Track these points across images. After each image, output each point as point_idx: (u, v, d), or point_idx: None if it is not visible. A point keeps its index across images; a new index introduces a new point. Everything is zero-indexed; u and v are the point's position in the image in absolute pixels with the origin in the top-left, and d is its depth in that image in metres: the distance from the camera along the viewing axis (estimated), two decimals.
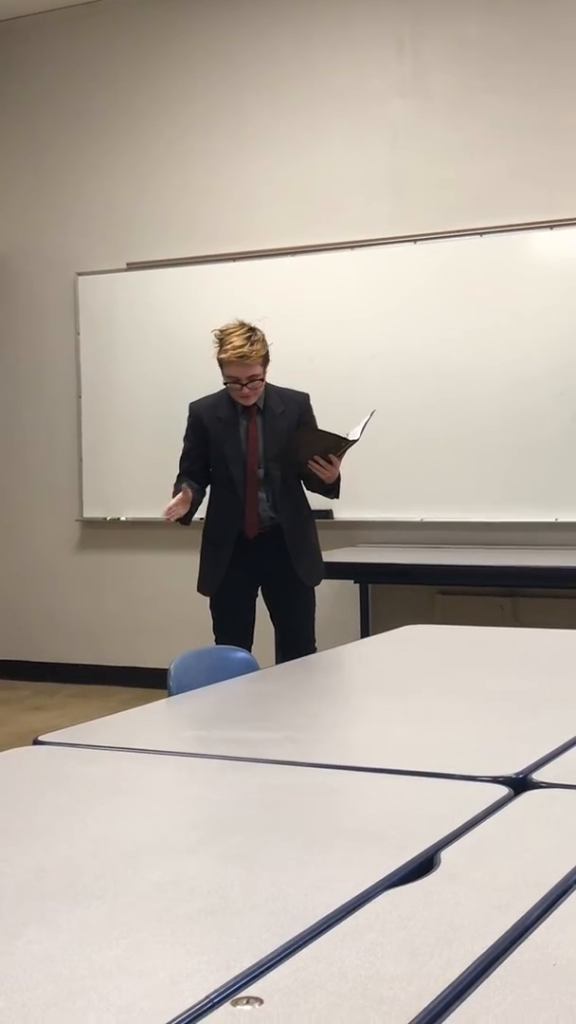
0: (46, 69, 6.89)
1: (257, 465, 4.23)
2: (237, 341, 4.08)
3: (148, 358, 6.57)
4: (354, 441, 4.13)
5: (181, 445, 4.38)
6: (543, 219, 5.72)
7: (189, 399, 4.41)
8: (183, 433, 4.38)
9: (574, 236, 5.68)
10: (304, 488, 4.34)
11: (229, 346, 4.09)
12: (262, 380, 4.18)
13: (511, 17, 5.80)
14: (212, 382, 4.39)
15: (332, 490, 4.29)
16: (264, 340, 4.15)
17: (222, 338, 4.13)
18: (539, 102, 5.76)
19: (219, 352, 4.13)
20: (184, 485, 4.16)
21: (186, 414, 4.37)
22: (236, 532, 4.23)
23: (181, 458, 4.36)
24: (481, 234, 5.84)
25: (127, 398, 6.64)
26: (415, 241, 5.98)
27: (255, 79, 6.38)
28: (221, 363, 4.14)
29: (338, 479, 4.23)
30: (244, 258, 6.34)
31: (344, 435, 4.11)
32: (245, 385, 4.12)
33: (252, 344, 4.09)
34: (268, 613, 4.40)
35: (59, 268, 6.83)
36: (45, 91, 6.90)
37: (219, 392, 4.31)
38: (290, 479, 4.27)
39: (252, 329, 4.15)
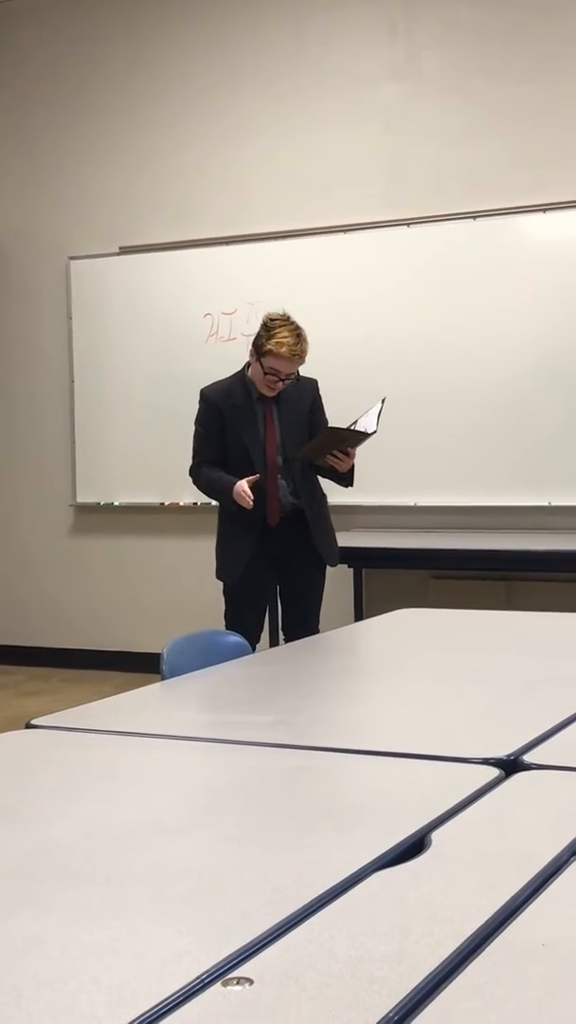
0: (40, 52, 6.85)
1: (276, 452, 4.22)
2: (290, 338, 4.07)
3: (141, 343, 6.56)
4: (372, 433, 4.15)
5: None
6: (536, 202, 5.71)
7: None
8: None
9: (567, 219, 5.67)
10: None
11: (283, 340, 4.06)
12: (289, 382, 4.20)
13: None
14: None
15: (345, 479, 4.29)
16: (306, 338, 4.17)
17: (272, 328, 4.10)
18: (532, 85, 5.75)
19: (267, 342, 4.08)
20: (235, 481, 4.10)
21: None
22: (259, 518, 4.22)
23: (199, 447, 4.29)
24: (474, 217, 5.83)
25: (120, 383, 6.63)
26: (408, 225, 5.97)
27: (249, 63, 6.35)
28: (266, 353, 4.10)
29: (352, 468, 4.24)
30: (237, 242, 6.33)
31: (363, 429, 4.13)
32: (284, 379, 4.13)
33: (301, 342, 4.11)
34: (279, 594, 4.40)
35: (51, 252, 6.81)
36: (38, 74, 6.86)
37: (230, 378, 4.28)
38: (305, 466, 4.28)
39: (299, 325, 4.15)
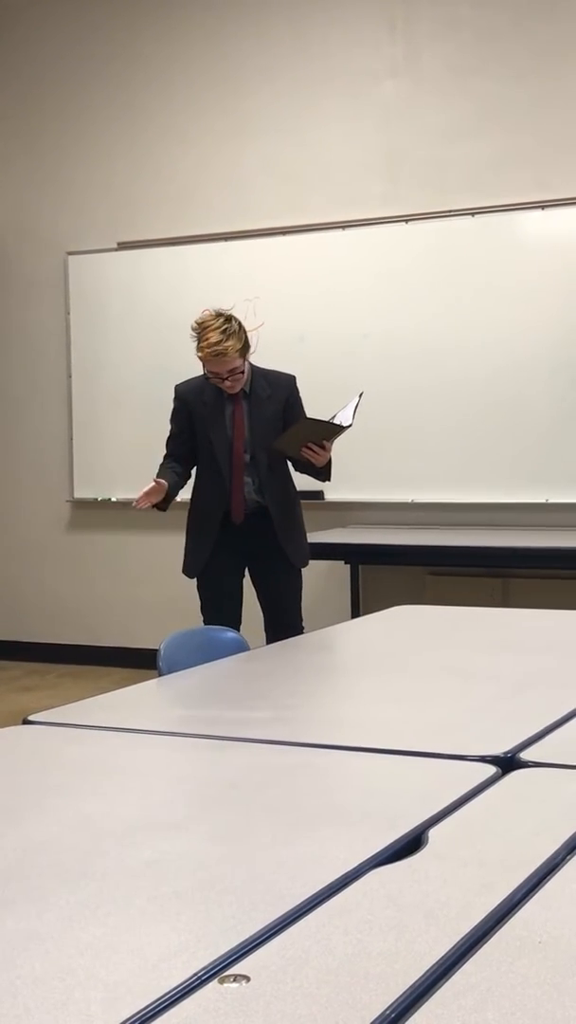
0: (41, 49, 6.84)
1: (243, 450, 4.22)
2: (213, 337, 4.02)
3: (139, 338, 6.56)
4: (348, 427, 4.13)
5: (171, 426, 4.38)
6: (535, 199, 5.71)
7: (180, 379, 4.40)
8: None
9: (566, 216, 5.67)
10: (291, 470, 4.34)
11: (205, 343, 4.04)
12: (243, 372, 4.15)
13: None
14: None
15: (323, 473, 4.29)
16: (240, 330, 4.10)
17: (199, 333, 4.08)
18: (531, 83, 5.74)
19: (196, 349, 4.10)
20: (157, 477, 4.15)
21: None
22: (221, 515, 4.23)
23: (167, 440, 4.35)
24: (473, 214, 5.82)
25: (118, 378, 6.63)
26: (407, 221, 5.96)
27: (248, 60, 6.34)
28: (201, 360, 4.13)
29: (329, 462, 4.24)
30: (235, 238, 6.32)
31: (337, 422, 4.12)
32: (226, 379, 4.12)
33: (228, 338, 4.03)
34: (256, 595, 4.41)
35: (49, 248, 6.81)
36: (38, 71, 6.85)
37: (203, 376, 4.30)
38: (276, 462, 4.26)
39: (228, 319, 4.09)
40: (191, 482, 4.35)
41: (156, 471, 4.28)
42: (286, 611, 4.36)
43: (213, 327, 4.05)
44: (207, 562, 4.27)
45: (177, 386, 4.33)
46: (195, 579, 4.36)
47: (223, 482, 4.21)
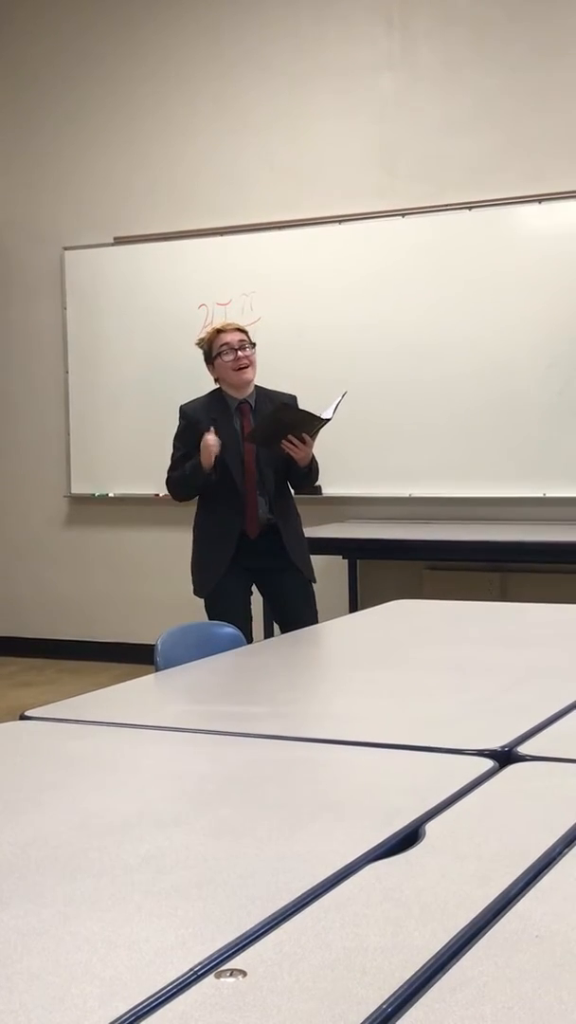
0: (37, 44, 6.83)
1: (255, 466, 4.19)
2: (215, 325, 4.21)
3: (136, 333, 6.55)
4: (327, 420, 4.12)
5: (169, 421, 4.34)
6: (532, 193, 5.70)
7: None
8: (171, 408, 4.35)
9: (563, 210, 5.66)
10: (290, 488, 4.32)
11: (210, 327, 4.19)
12: (254, 360, 4.19)
13: None
14: (200, 357, 4.38)
15: (309, 478, 4.24)
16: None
17: (200, 338, 4.26)
18: (528, 76, 5.74)
19: (204, 343, 4.21)
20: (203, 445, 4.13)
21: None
22: (237, 532, 4.19)
23: (174, 464, 4.24)
24: (470, 208, 5.82)
25: (115, 374, 6.62)
26: (404, 215, 5.96)
27: (245, 54, 6.33)
28: (210, 345, 4.17)
29: (316, 471, 4.21)
30: (232, 232, 6.31)
31: (317, 414, 4.11)
32: (241, 350, 4.13)
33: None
34: (272, 613, 4.35)
35: (46, 243, 6.80)
36: (35, 65, 6.84)
37: (209, 394, 4.28)
38: (281, 482, 4.24)
39: None
40: (195, 500, 4.31)
41: (169, 485, 4.26)
42: (306, 624, 4.30)
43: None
44: (222, 579, 4.22)
45: (182, 406, 4.28)
46: (203, 599, 4.30)
47: (238, 498, 4.16)
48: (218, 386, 4.26)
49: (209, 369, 4.26)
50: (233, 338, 4.16)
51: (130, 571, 6.69)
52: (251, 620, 4.25)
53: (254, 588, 4.32)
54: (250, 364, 4.18)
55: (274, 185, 6.26)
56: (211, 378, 4.28)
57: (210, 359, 4.22)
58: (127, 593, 6.71)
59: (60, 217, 6.78)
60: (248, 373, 4.18)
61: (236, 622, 4.18)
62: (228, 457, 4.15)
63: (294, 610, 4.27)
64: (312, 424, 4.09)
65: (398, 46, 6.00)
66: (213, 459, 4.06)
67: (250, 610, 4.27)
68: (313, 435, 4.11)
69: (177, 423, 4.27)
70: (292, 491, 4.33)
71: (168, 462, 4.28)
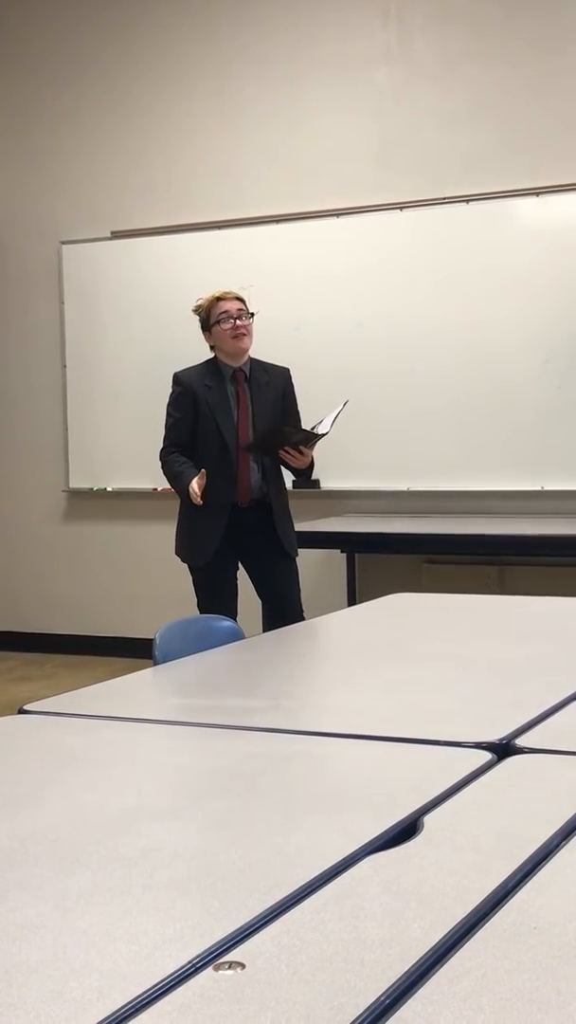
0: (35, 38, 6.81)
1: (248, 432, 4.24)
2: (220, 290, 4.26)
3: (133, 327, 6.54)
4: (324, 435, 4.15)
5: (172, 414, 4.36)
6: (529, 186, 5.69)
7: (175, 369, 4.39)
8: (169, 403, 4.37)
9: (560, 203, 5.66)
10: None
11: (215, 292, 4.25)
12: (250, 322, 4.25)
13: None
14: (198, 351, 4.38)
15: (303, 474, 4.30)
16: None
17: (198, 304, 4.29)
18: (525, 69, 5.73)
19: (202, 309, 4.25)
20: (185, 477, 4.15)
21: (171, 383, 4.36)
22: (230, 502, 4.22)
23: (168, 430, 4.32)
24: (467, 201, 5.81)
25: (112, 368, 6.62)
26: (401, 209, 5.95)
27: (242, 48, 6.32)
28: (208, 312, 4.23)
29: (311, 465, 4.26)
30: (229, 226, 6.31)
31: (314, 430, 4.15)
32: (240, 319, 4.15)
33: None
34: (253, 586, 4.40)
35: (43, 237, 6.79)
36: (32, 59, 6.83)
37: (204, 362, 4.32)
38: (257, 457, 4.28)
39: None
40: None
41: (163, 467, 4.27)
42: (287, 598, 4.36)
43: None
44: (214, 550, 4.25)
45: (177, 373, 4.34)
46: (191, 569, 4.35)
47: (231, 464, 4.20)
48: (213, 355, 4.29)
49: (205, 336, 4.29)
50: (232, 306, 4.20)
51: (128, 566, 6.69)
52: (237, 595, 4.31)
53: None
54: (247, 333, 4.22)
55: (271, 179, 6.26)
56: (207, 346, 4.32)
57: (207, 326, 4.25)
58: (125, 588, 6.71)
59: (57, 211, 6.77)
60: (245, 342, 4.23)
61: (223, 597, 4.23)
62: (222, 423, 4.19)
63: (281, 587, 4.34)
64: (308, 439, 4.14)
65: (395, 40, 5.99)
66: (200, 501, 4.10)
67: (236, 585, 4.32)
68: (310, 447, 4.16)
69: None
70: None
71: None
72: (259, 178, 6.29)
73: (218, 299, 4.23)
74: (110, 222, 6.63)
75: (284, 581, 4.37)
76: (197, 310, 4.29)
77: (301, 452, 4.15)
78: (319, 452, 4.31)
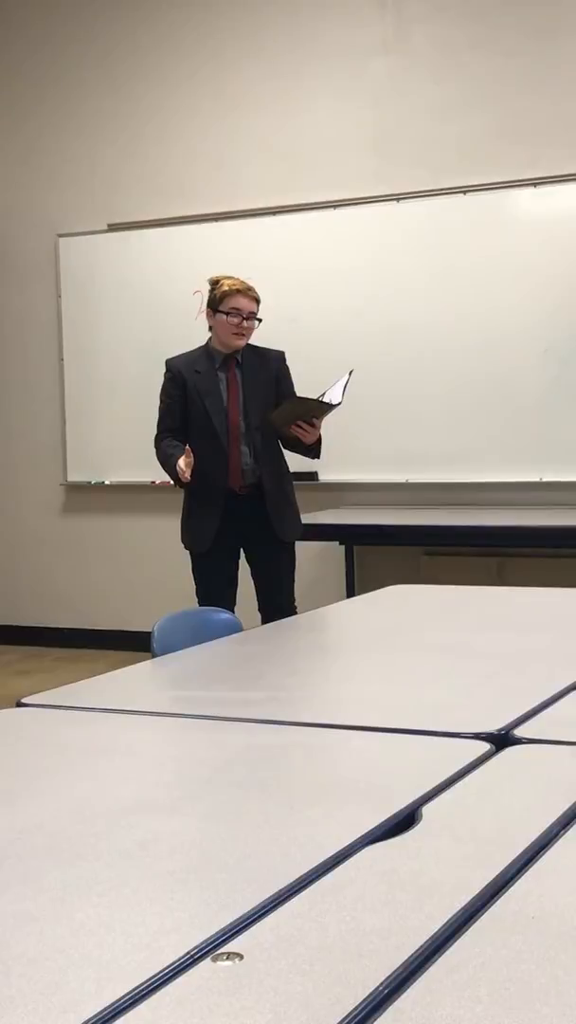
0: (30, 30, 6.79)
1: (239, 416, 4.24)
2: (238, 280, 4.22)
3: (130, 320, 6.54)
4: (337, 404, 4.13)
5: (163, 401, 4.36)
6: (527, 177, 5.68)
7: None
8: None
9: (558, 194, 5.65)
10: (282, 447, 4.35)
11: (233, 282, 4.21)
12: (255, 326, 4.24)
13: None
14: (196, 342, 4.38)
15: (312, 451, 4.29)
16: None
17: (218, 281, 4.24)
18: (522, 60, 5.71)
19: (219, 289, 4.21)
20: (174, 454, 4.14)
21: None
22: (223, 488, 4.23)
23: (161, 417, 4.33)
24: (464, 192, 5.80)
25: (110, 361, 6.61)
26: (398, 200, 5.94)
27: (238, 39, 6.31)
28: (223, 298, 4.19)
29: (319, 440, 4.24)
30: (226, 218, 6.30)
31: (327, 400, 4.12)
32: (247, 319, 4.15)
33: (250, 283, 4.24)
34: (248, 571, 4.41)
35: (40, 229, 6.78)
36: (27, 51, 6.81)
37: (195, 349, 4.33)
38: (269, 436, 4.28)
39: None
40: None
41: (156, 453, 4.27)
42: (279, 590, 4.36)
43: (232, 278, 4.25)
44: (214, 537, 4.25)
45: (168, 360, 4.36)
46: (191, 560, 4.35)
47: (221, 450, 4.21)
48: (207, 340, 4.30)
49: (208, 313, 4.28)
50: (246, 307, 4.20)
51: (127, 559, 6.69)
52: (236, 586, 4.32)
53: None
54: (248, 336, 4.25)
55: (268, 170, 6.24)
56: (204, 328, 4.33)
57: (214, 306, 4.23)
58: (124, 580, 6.71)
59: (53, 204, 6.75)
60: (242, 342, 4.25)
61: (220, 586, 4.24)
62: (211, 409, 4.20)
63: (271, 572, 4.36)
64: (323, 410, 4.13)
65: (392, 30, 5.97)
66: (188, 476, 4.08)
67: (236, 575, 4.33)
68: (321, 418, 4.16)
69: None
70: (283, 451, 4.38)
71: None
72: (256, 170, 6.28)
73: (238, 291, 4.19)
74: (107, 215, 6.61)
75: (274, 567, 4.37)
76: (214, 287, 4.25)
77: (312, 425, 4.15)
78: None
